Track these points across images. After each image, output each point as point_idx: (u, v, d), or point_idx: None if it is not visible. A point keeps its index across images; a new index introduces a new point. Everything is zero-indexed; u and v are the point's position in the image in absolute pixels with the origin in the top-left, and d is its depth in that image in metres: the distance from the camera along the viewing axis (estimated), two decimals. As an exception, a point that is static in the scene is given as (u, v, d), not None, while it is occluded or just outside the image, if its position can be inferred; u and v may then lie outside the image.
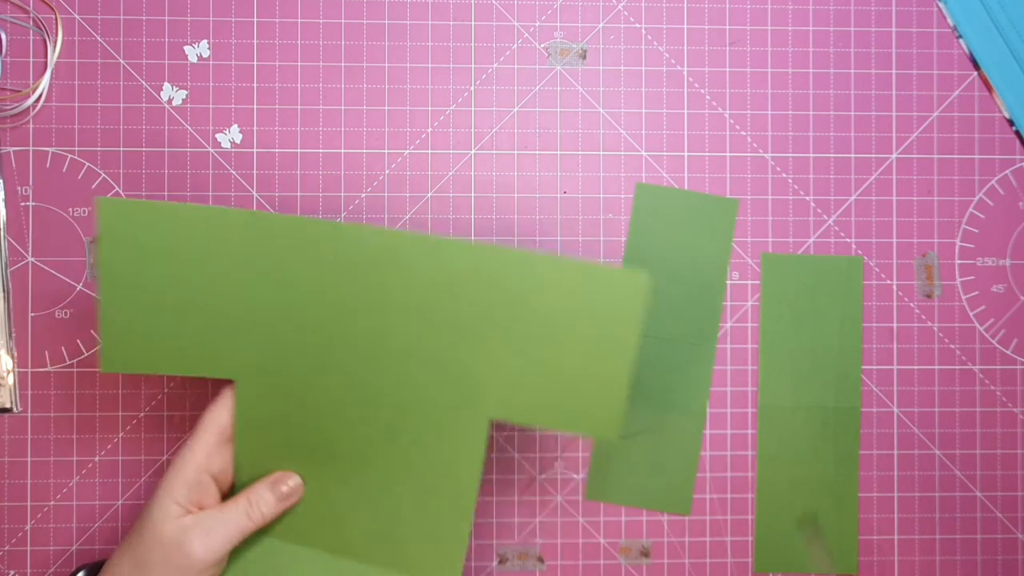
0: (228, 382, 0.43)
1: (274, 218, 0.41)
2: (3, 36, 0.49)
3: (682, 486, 0.50)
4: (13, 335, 0.48)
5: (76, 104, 0.49)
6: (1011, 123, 0.51)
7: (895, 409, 0.51)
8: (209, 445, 0.42)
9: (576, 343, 0.41)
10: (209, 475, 0.42)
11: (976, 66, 0.51)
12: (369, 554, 0.44)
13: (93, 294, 0.49)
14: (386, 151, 0.50)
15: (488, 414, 0.42)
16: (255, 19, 0.49)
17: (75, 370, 0.49)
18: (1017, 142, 0.51)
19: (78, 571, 0.48)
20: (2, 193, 0.48)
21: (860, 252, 0.51)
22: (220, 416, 0.42)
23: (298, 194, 0.49)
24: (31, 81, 0.49)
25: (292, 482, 0.43)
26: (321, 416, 0.43)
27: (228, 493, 0.43)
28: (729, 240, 0.50)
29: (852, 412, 0.50)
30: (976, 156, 0.51)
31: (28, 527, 0.48)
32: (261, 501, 0.42)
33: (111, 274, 0.41)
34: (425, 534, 0.43)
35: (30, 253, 0.49)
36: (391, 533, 0.44)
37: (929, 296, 0.51)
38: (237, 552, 0.43)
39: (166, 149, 0.49)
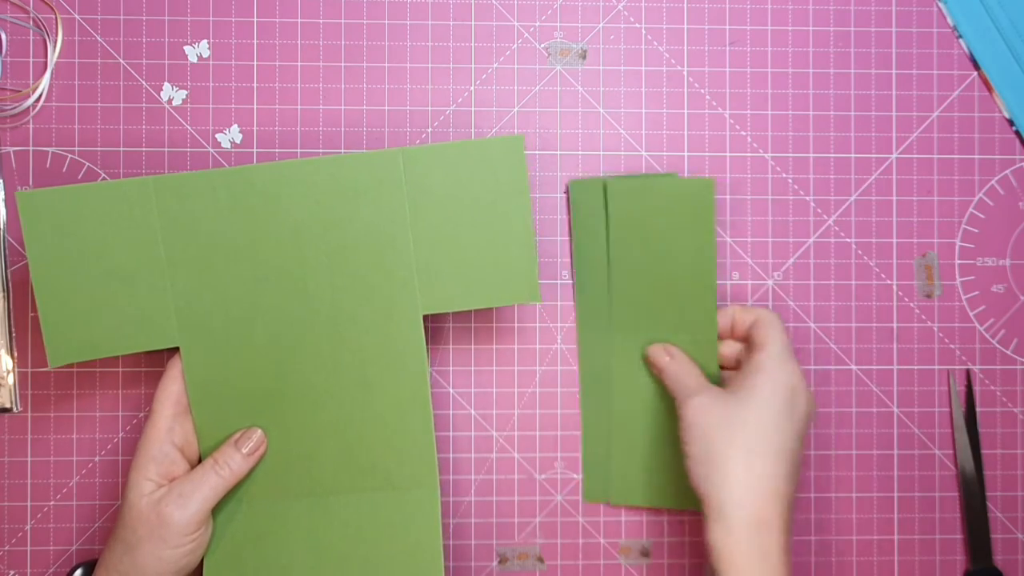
0: (174, 354, 0.44)
1: (178, 178, 0.43)
2: (3, 36, 0.49)
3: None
4: (13, 335, 0.48)
5: (76, 104, 0.49)
6: (1011, 123, 0.51)
7: (895, 409, 0.51)
8: (167, 418, 0.43)
9: (478, 218, 0.44)
10: (173, 447, 0.43)
11: (976, 66, 0.51)
12: (347, 484, 0.45)
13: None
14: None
15: (419, 310, 0.44)
16: (255, 19, 0.49)
17: (75, 370, 0.49)
18: (1017, 142, 0.51)
19: (76, 569, 0.48)
20: (2, 193, 0.48)
21: (860, 252, 0.51)
22: (172, 387, 0.44)
23: (298, 194, 0.49)
24: (31, 81, 0.49)
25: (255, 436, 0.44)
26: (267, 363, 0.44)
27: (196, 464, 0.44)
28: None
29: (709, 344, 0.47)
30: (976, 156, 0.51)
31: (28, 527, 0.48)
32: (229, 459, 0.43)
33: (41, 266, 0.42)
34: (393, 446, 0.45)
35: (30, 253, 0.49)
36: (361, 457, 0.45)
37: (929, 296, 0.51)
38: (220, 518, 0.45)
39: (166, 149, 0.49)
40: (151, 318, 0.43)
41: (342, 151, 0.49)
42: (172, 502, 0.41)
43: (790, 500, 0.41)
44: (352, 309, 0.44)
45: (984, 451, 0.51)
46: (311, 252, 0.44)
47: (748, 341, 0.46)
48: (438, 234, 0.44)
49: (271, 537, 0.45)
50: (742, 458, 0.41)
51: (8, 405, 0.48)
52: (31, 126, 0.49)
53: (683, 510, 0.50)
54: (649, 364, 0.48)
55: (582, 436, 0.50)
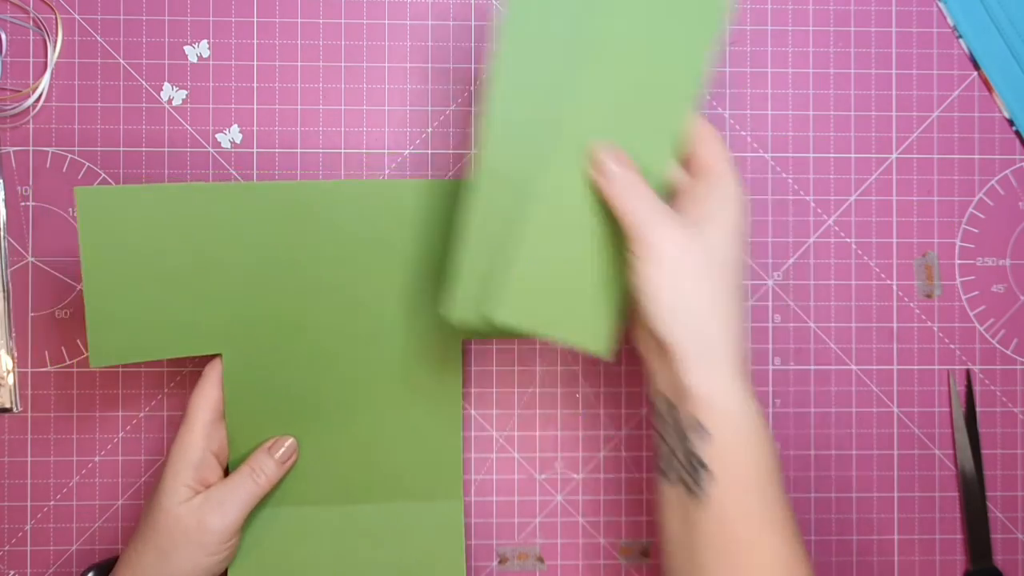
0: (212, 359, 0.44)
1: (236, 187, 0.44)
2: (3, 36, 0.49)
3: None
4: (13, 335, 0.48)
5: (76, 104, 0.49)
6: (1011, 123, 0.51)
7: (895, 409, 0.51)
8: (207, 424, 0.43)
9: None
10: (210, 453, 0.43)
11: (976, 66, 0.51)
12: (374, 494, 0.46)
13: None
14: (386, 151, 0.50)
15: (459, 336, 0.45)
16: (255, 19, 0.49)
17: (75, 370, 0.49)
18: (1017, 142, 0.51)
19: (87, 572, 0.47)
20: (2, 193, 0.48)
21: (860, 252, 0.51)
22: (211, 393, 0.44)
23: (298, 194, 0.49)
24: (31, 81, 0.49)
25: (288, 444, 0.45)
26: (304, 373, 0.45)
27: (226, 469, 0.45)
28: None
29: (663, 161, 0.41)
30: (976, 156, 0.51)
31: (28, 527, 0.48)
32: (263, 466, 0.44)
33: (94, 264, 0.42)
34: (421, 459, 0.46)
35: (30, 253, 0.49)
36: (389, 469, 0.46)
37: (929, 296, 0.51)
38: (248, 524, 0.45)
39: (166, 149, 0.49)
40: (197, 324, 0.43)
41: (342, 151, 0.49)
42: (212, 510, 0.41)
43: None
44: (394, 328, 0.45)
45: (984, 451, 0.51)
46: (361, 270, 0.44)
47: (690, 158, 0.41)
48: None
49: (296, 544, 0.45)
50: (713, 295, 0.37)
51: (8, 405, 0.48)
52: (31, 126, 0.49)
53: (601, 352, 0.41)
54: (594, 169, 0.39)
55: (465, 244, 0.40)
